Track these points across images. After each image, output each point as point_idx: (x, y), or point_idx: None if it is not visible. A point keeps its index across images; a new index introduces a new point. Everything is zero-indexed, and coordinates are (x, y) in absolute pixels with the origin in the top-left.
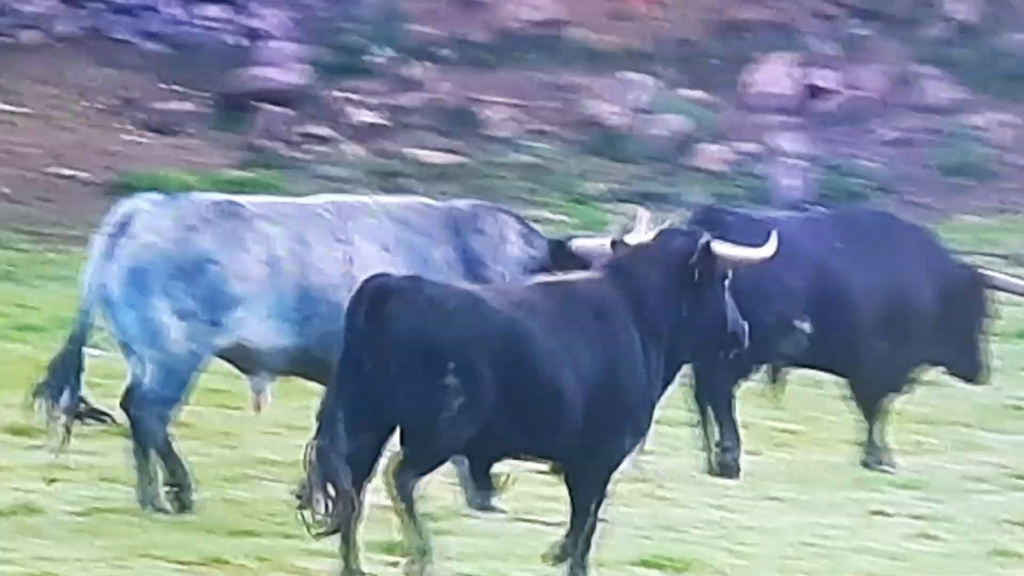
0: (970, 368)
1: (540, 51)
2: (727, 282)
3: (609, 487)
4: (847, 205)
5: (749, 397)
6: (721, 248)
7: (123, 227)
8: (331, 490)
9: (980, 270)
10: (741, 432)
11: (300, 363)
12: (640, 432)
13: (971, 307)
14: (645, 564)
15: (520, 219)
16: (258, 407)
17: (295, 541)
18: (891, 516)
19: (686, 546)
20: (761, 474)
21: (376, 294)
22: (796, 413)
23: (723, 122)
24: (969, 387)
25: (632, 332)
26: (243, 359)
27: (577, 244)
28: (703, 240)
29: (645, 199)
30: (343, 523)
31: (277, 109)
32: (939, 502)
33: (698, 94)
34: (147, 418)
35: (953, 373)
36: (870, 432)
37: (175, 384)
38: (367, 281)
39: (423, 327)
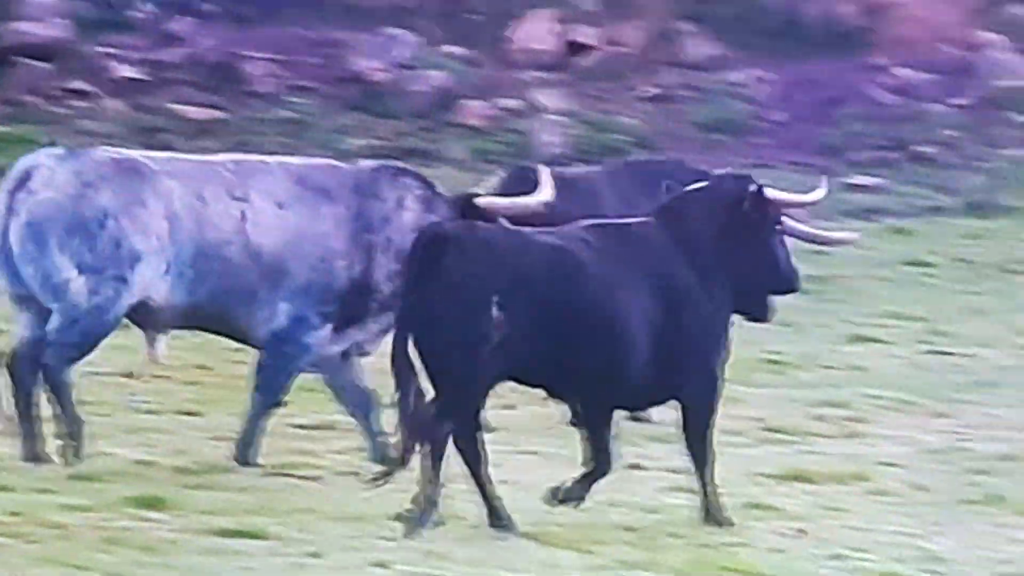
0: (761, 310)
1: (302, 7)
2: (779, 227)
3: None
4: (639, 157)
5: None
6: (773, 193)
7: (22, 183)
8: (408, 437)
9: None
10: (498, 387)
11: (193, 318)
12: (713, 368)
13: None
14: (398, 518)
15: (425, 182)
16: (155, 360)
17: (51, 496)
18: (647, 470)
19: (442, 500)
20: (517, 428)
21: (431, 241)
22: None
23: (485, 78)
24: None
25: (688, 274)
26: (142, 315)
27: (484, 201)
28: (754, 186)
29: (407, 155)
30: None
31: (38, 64)
32: None
33: (460, 50)
34: (53, 364)
35: (743, 314)
36: None
37: (79, 332)
38: (423, 230)
39: (473, 267)
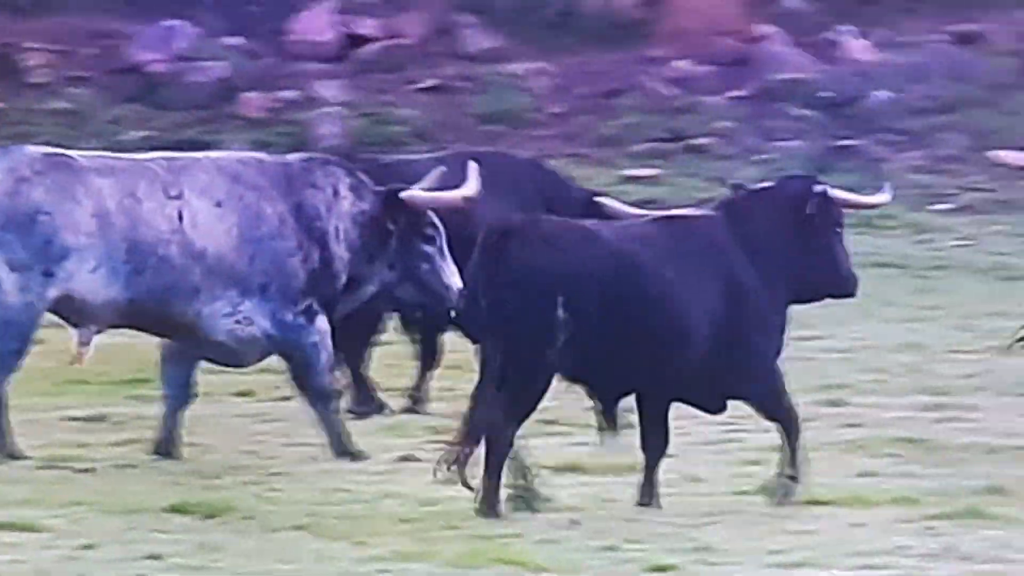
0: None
1: None
2: (841, 229)
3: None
4: (465, 147)
5: None
6: (838, 194)
7: None
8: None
9: (596, 197)
10: (272, 378)
11: (129, 315)
12: (773, 364)
13: None
14: (175, 510)
15: (350, 171)
16: (80, 359)
17: None
18: (421, 462)
19: (216, 492)
20: (297, 420)
21: (496, 235)
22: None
23: (264, 70)
24: None
25: (749, 270)
26: (71, 311)
27: (407, 194)
28: (821, 187)
29: (186, 147)
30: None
31: None
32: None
33: (239, 41)
34: None
35: None
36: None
37: (15, 336)
38: (490, 223)
39: (536, 263)
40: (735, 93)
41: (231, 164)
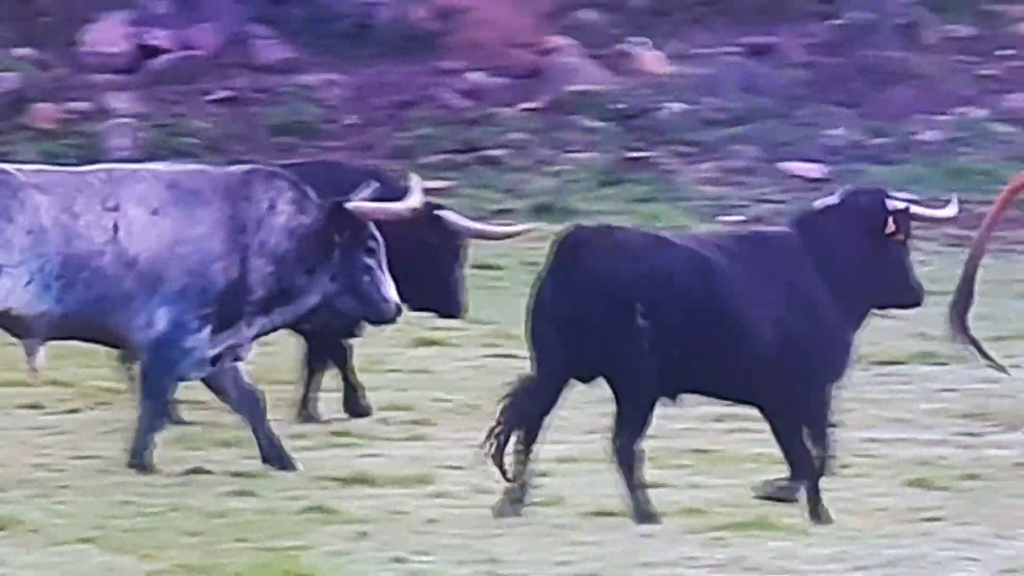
0: (449, 305)
1: None
2: (909, 242)
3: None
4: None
5: (74, 355)
6: (916, 209)
7: None
8: (512, 438)
9: (436, 210)
10: (61, 391)
11: (65, 327)
12: (838, 376)
13: (441, 247)
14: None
15: (295, 184)
16: (34, 370)
17: None
18: (211, 474)
19: (2, 505)
20: (81, 432)
21: (570, 245)
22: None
23: (55, 81)
24: (294, 345)
25: (822, 283)
26: (11, 324)
27: (353, 205)
28: (901, 203)
29: None
30: (517, 472)
31: None
32: (259, 459)
33: (30, 52)
34: None
35: (433, 311)
36: (311, 385)
37: None
38: (563, 233)
39: (612, 273)
40: (528, 105)
41: (171, 173)
